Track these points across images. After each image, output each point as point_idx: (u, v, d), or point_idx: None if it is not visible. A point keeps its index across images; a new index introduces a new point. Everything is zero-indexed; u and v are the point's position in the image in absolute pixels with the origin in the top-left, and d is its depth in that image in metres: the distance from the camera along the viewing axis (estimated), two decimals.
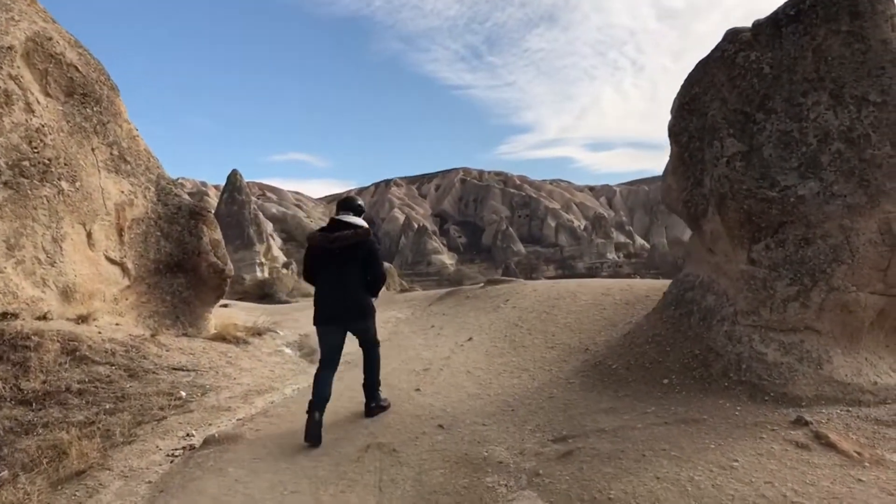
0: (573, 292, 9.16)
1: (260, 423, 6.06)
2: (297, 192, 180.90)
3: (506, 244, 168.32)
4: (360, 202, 6.64)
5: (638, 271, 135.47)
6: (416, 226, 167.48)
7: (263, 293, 26.23)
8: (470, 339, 8.23)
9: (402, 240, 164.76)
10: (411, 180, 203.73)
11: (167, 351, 8.64)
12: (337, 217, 6.30)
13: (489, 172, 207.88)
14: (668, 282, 9.19)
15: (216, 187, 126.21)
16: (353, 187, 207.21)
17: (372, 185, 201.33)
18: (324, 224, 6.61)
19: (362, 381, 6.50)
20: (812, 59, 5.83)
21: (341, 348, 6.29)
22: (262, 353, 9.60)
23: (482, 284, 11.55)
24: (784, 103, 5.90)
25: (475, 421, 5.69)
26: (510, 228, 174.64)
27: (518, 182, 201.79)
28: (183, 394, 7.33)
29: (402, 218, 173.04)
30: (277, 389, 7.83)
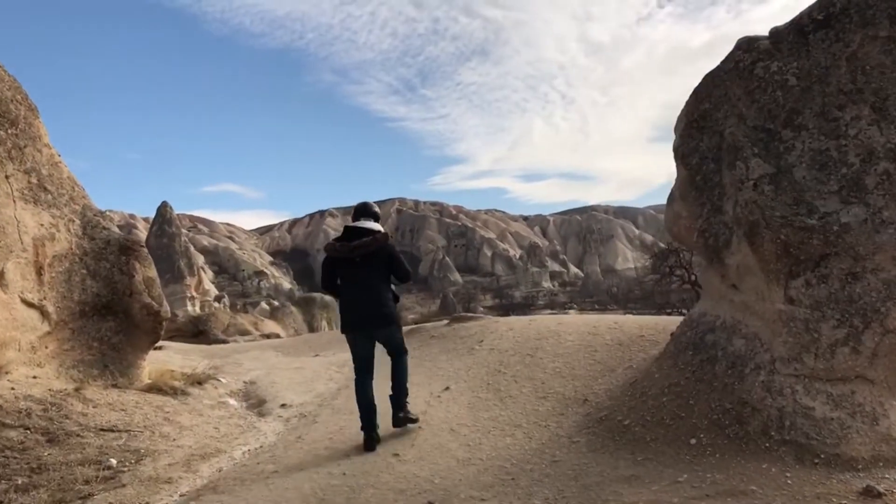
0: (555, 332, 8.28)
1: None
2: (229, 224, 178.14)
3: (443, 274, 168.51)
4: (377, 208, 6.68)
5: (573, 300, 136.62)
6: None
7: (197, 330, 24.73)
8: (447, 388, 7.27)
9: None
10: (346, 211, 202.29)
11: (94, 408, 7.48)
12: (354, 224, 6.37)
13: (425, 202, 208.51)
14: (657, 318, 8.42)
15: (145, 220, 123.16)
16: (286, 218, 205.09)
17: (306, 215, 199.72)
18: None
19: (390, 393, 6.41)
20: (847, 68, 5.12)
21: (373, 355, 6.42)
22: (204, 405, 8.46)
23: (447, 322, 10.61)
24: (816, 118, 5.17)
25: (472, 495, 4.74)
26: (447, 258, 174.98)
27: (454, 212, 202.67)
28: (113, 462, 6.17)
29: None
30: (225, 452, 6.74)
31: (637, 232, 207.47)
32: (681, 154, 6.07)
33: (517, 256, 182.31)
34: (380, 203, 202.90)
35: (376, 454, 5.68)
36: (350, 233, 6.32)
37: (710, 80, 5.97)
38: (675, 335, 6.19)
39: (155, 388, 8.58)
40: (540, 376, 7.09)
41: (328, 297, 35.03)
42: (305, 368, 10.20)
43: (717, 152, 5.75)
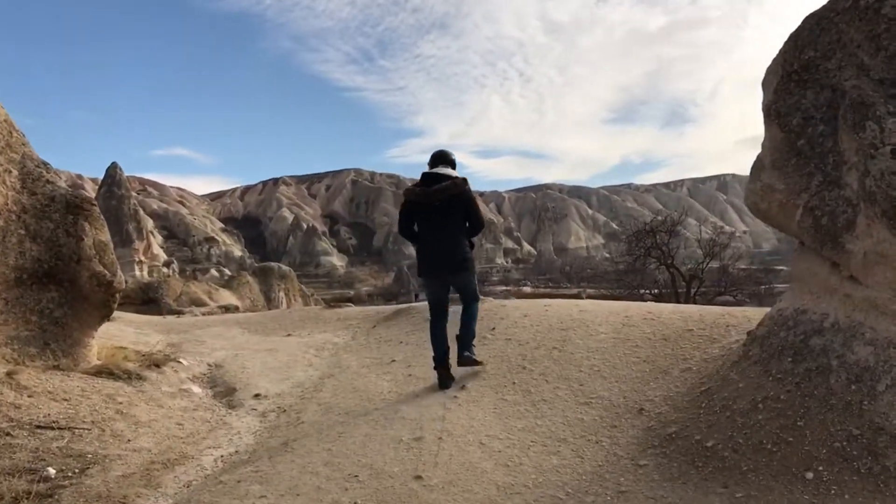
0: (581, 321, 7.12)
1: None
2: (179, 188, 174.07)
3: (397, 247, 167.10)
4: (454, 156, 6.64)
5: (527, 277, 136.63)
6: (305, 226, 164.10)
7: (148, 298, 23.08)
8: (463, 387, 6.05)
9: (291, 240, 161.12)
10: (301, 179, 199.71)
11: (30, 397, 6.18)
12: (433, 171, 6.42)
13: (381, 174, 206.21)
14: (695, 308, 7.32)
15: (93, 181, 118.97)
16: (239, 185, 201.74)
17: (259, 182, 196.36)
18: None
19: (457, 333, 6.50)
20: None
21: (447, 299, 6.57)
22: (164, 394, 7.17)
23: None
24: None
25: None
26: None
27: (410, 185, 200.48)
28: (51, 471, 4.92)
29: (290, 218, 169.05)
30: (192, 459, 5.50)
31: (590, 212, 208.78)
32: (776, 112, 4.91)
33: None
34: (334, 173, 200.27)
35: (394, 478, 4.45)
36: (429, 178, 6.37)
37: (816, 22, 4.81)
38: (757, 335, 5.06)
39: (105, 372, 7.23)
40: (576, 376, 5.92)
41: (286, 268, 33.53)
42: (279, 350, 8.91)
43: (828, 111, 4.61)
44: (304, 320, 11.10)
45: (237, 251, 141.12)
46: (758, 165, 5.10)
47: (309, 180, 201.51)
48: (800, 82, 4.82)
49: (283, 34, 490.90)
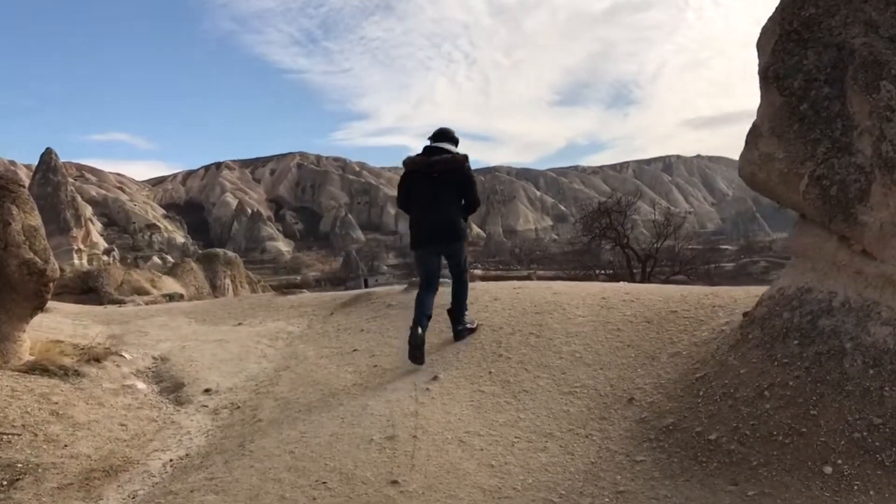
0: (557, 304, 6.69)
1: None
2: (119, 174, 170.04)
3: (345, 231, 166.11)
4: (456, 135, 6.64)
5: (476, 259, 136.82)
6: (249, 211, 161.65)
7: (87, 287, 22.04)
8: (435, 377, 5.56)
9: (235, 226, 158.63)
10: (244, 164, 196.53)
11: None
12: (432, 145, 6.44)
13: (327, 158, 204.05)
14: (677, 288, 6.97)
15: (28, 167, 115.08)
16: (180, 169, 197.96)
17: (202, 167, 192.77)
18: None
19: (448, 308, 6.57)
20: None
21: (440, 270, 6.58)
22: (105, 391, 6.58)
23: (404, 287, 8.87)
24: None
25: None
26: (349, 215, 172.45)
27: (357, 168, 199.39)
28: None
29: (234, 203, 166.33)
30: (138, 464, 4.99)
31: (538, 194, 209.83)
32: (774, 75, 4.53)
33: None
34: (279, 157, 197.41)
35: (367, 484, 3.97)
36: (430, 150, 6.40)
37: None
38: (756, 316, 4.69)
39: (38, 369, 6.62)
40: (556, 363, 5.49)
41: (231, 254, 32.61)
42: (229, 341, 8.33)
43: (833, 71, 4.24)
44: (254, 308, 10.50)
45: (180, 238, 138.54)
46: (754, 133, 4.71)
47: (253, 164, 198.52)
48: (800, 42, 4.44)
49: (224, 15, 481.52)
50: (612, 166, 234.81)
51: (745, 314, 4.87)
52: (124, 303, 17.33)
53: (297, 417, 5.30)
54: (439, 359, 5.98)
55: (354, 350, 6.94)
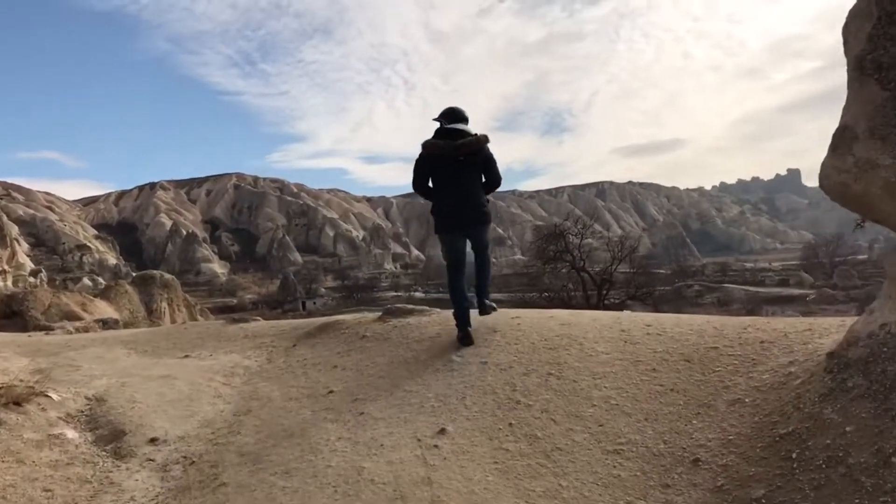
0: (570, 337, 5.72)
1: None
2: (48, 193, 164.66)
3: (282, 253, 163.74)
4: (467, 113, 6.48)
5: (417, 282, 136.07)
6: (184, 232, 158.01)
7: (11, 311, 20.33)
8: (442, 430, 4.55)
9: (169, 247, 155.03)
10: (180, 184, 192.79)
11: None
12: (449, 126, 6.32)
13: (265, 179, 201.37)
14: (706, 319, 6.10)
15: None
16: (113, 189, 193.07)
17: (136, 187, 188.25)
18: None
19: (474, 284, 6.71)
20: None
21: (466, 253, 6.54)
22: (26, 443, 5.45)
23: (378, 316, 7.84)
24: None
25: None
26: (287, 237, 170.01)
27: (295, 190, 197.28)
28: None
29: (169, 224, 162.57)
30: None
31: None
32: (873, 65, 3.71)
33: (360, 238, 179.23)
34: (216, 178, 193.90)
35: None
36: (448, 133, 6.29)
37: None
38: (850, 358, 3.82)
39: None
40: (589, 412, 4.53)
41: (168, 276, 30.99)
42: (177, 378, 7.19)
43: None
44: (203, 338, 9.31)
45: (112, 259, 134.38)
46: (846, 136, 3.87)
47: (189, 185, 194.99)
48: None
49: (159, 35, 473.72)
50: (548, 191, 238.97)
51: (829, 354, 4.01)
52: (52, 329, 15.79)
53: (273, 483, 4.24)
54: (442, 405, 4.97)
55: (330, 392, 5.88)
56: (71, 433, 5.83)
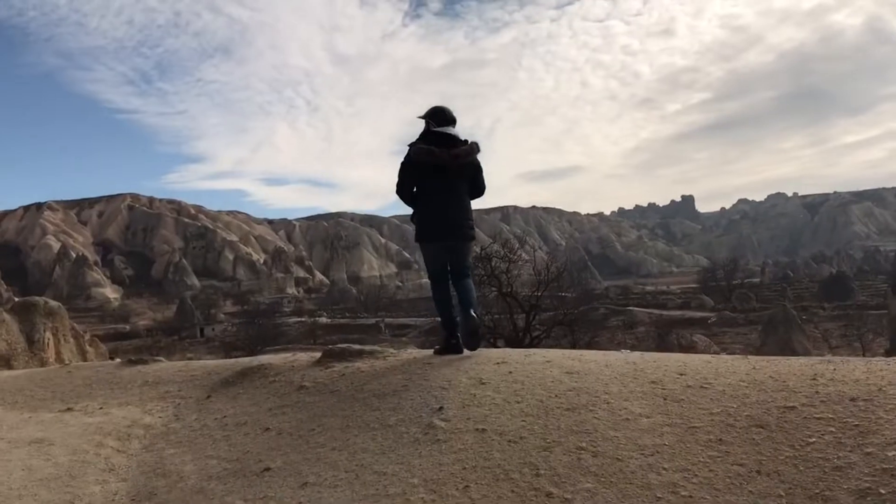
0: (589, 392, 4.31)
1: None
2: None
3: (179, 277, 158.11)
4: (455, 113, 6.17)
5: (321, 306, 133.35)
6: (74, 255, 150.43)
7: None
8: None
9: (57, 270, 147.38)
10: (69, 205, 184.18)
11: None
12: (440, 130, 6.03)
13: (161, 200, 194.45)
14: (753, 363, 4.87)
15: None
16: None
17: (20, 207, 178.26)
18: None
19: (458, 298, 6.18)
20: None
21: (448, 265, 6.26)
22: None
23: (316, 359, 6.30)
24: None
25: None
26: (184, 260, 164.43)
27: (193, 211, 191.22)
28: None
29: (56, 246, 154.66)
30: None
31: (383, 241, 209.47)
32: None
33: (261, 261, 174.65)
34: (109, 198, 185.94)
35: None
36: (440, 138, 5.98)
37: None
38: None
39: None
40: None
41: (53, 303, 28.17)
42: (54, 443, 5.49)
43: None
44: (91, 384, 7.50)
45: None
46: None
47: (79, 206, 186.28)
48: None
49: (48, 50, 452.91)
50: None
51: None
52: None
53: None
54: (436, 499, 3.48)
55: (266, 469, 4.33)
56: None
